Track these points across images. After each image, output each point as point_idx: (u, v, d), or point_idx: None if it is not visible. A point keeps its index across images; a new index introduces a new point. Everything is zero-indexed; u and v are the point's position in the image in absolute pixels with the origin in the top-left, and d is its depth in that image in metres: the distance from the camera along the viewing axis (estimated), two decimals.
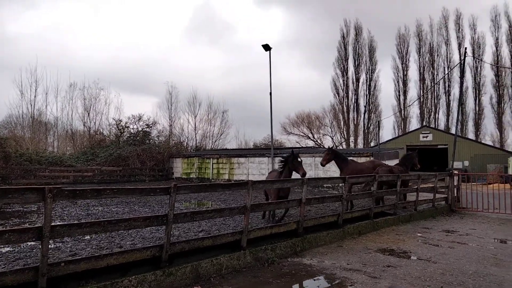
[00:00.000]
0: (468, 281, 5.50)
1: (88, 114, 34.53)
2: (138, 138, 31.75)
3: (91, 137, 33.06)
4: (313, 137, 61.82)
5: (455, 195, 13.98)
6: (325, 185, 20.31)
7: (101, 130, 34.13)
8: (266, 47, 22.65)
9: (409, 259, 6.74)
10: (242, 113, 76.03)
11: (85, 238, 8.08)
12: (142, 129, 32.74)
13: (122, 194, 4.78)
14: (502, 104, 53.35)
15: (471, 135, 52.26)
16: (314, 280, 5.57)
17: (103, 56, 70.56)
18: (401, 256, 6.95)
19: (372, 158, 19.47)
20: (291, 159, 8.30)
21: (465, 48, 13.45)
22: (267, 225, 6.87)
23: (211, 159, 26.97)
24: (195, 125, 41.87)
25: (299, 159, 8.18)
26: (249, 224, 6.66)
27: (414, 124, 57.43)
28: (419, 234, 9.09)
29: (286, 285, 5.35)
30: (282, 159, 8.65)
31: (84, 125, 34.80)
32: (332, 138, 61.79)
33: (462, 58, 14.10)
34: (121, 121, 32.33)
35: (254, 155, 24.79)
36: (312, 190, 20.23)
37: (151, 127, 32.96)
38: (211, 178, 26.51)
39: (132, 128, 32.41)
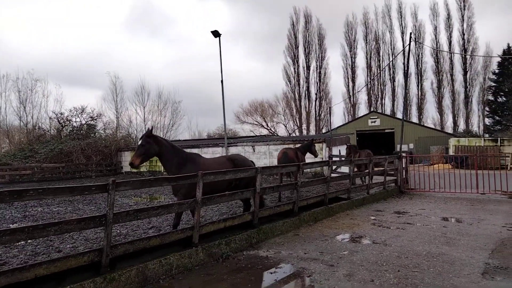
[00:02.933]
0: (423, 262, 5.50)
1: (24, 107, 31.77)
2: (82, 131, 29.81)
3: (29, 132, 30.49)
4: (267, 125, 62.10)
5: (404, 177, 14.46)
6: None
7: (40, 125, 31.59)
8: (216, 34, 21.96)
9: (365, 244, 6.69)
10: (194, 104, 74.81)
11: (19, 243, 7.23)
12: (86, 122, 30.77)
13: (49, 195, 4.14)
14: (442, 89, 56.79)
15: (414, 119, 55.16)
16: (271, 273, 5.29)
17: (38, 49, 65.37)
18: (357, 241, 6.90)
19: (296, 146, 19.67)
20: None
21: (410, 33, 13.84)
22: (221, 218, 6.47)
23: None
24: (144, 116, 40.25)
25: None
26: (202, 217, 6.26)
27: (362, 110, 59.57)
28: (372, 217, 9.18)
29: (242, 281, 5.02)
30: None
31: (20, 119, 32.01)
32: (286, 126, 62.50)
33: (408, 43, 14.49)
34: (62, 114, 30.12)
35: (207, 145, 24.22)
36: (267, 178, 20.12)
37: (95, 119, 31.08)
38: (162, 170, 25.54)
39: (75, 122, 30.35)
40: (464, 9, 55.24)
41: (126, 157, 28.17)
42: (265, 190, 7.30)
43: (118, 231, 7.96)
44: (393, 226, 8.16)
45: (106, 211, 4.58)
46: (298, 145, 13.60)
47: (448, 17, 56.34)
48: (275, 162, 20.97)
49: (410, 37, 13.59)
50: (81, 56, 66.15)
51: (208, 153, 23.83)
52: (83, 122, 30.87)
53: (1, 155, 24.92)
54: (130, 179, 5.13)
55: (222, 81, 22.21)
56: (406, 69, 17.47)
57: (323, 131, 57.25)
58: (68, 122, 29.94)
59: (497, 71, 51.59)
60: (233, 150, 22.95)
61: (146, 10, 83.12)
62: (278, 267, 5.55)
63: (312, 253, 6.19)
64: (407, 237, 7.07)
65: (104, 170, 27.13)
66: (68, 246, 6.98)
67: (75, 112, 30.12)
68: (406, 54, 14.65)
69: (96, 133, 31.28)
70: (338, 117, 78.59)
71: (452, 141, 31.19)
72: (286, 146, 20.35)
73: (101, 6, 76.71)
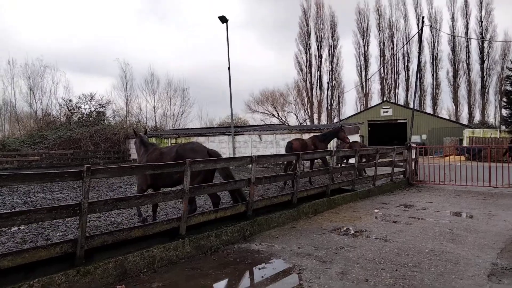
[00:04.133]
0: (424, 261, 5.10)
1: (34, 94, 31.90)
2: (91, 118, 29.85)
3: (39, 118, 30.67)
4: (278, 114, 61.43)
5: (413, 168, 13.93)
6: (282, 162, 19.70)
7: (50, 111, 31.74)
8: (223, 19, 21.49)
9: (364, 239, 6.30)
10: (205, 94, 74.34)
11: (11, 230, 7.10)
12: (95, 109, 30.80)
13: (16, 182, 3.86)
14: (458, 79, 55.18)
15: (428, 110, 53.93)
16: (260, 269, 4.96)
17: (49, 37, 65.52)
18: (356, 236, 6.51)
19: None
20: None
21: (423, 17, 13.13)
22: (212, 209, 6.15)
23: (169, 140, 25.82)
24: (154, 104, 40.15)
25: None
26: (194, 208, 5.96)
27: (375, 99, 58.41)
28: (376, 210, 8.76)
29: (227, 276, 4.71)
30: None
31: (30, 106, 32.21)
32: (297, 116, 61.77)
33: (420, 27, 13.81)
34: (71, 101, 30.19)
35: (214, 134, 23.92)
36: (274, 168, 19.76)
37: (104, 106, 31.10)
38: None
39: (84, 108, 30.40)
40: None
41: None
42: (260, 180, 6.95)
43: (113, 220, 7.77)
44: (397, 220, 7.74)
45: (80, 200, 4.29)
46: (317, 134, 13.16)
47: (466, 3, 54.37)
48: (282, 151, 20.58)
49: (423, 21, 12.93)
50: (92, 44, 66.30)
51: (215, 141, 23.56)
52: (92, 109, 30.91)
53: (10, 141, 25.07)
54: (109, 166, 4.83)
55: (229, 68, 21.80)
56: (419, 55, 16.84)
57: (335, 120, 56.41)
58: (77, 109, 30.00)
59: None
60: (239, 139, 22.63)
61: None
62: (268, 262, 5.22)
63: (307, 247, 5.83)
64: (410, 233, 6.65)
65: (112, 158, 27.16)
66: (58, 234, 6.81)
67: (84, 99, 30.14)
68: (419, 38, 13.90)
69: (105, 120, 31.29)
70: (350, 107, 77.82)
71: (466, 133, 30.25)
72: (293, 136, 19.93)
73: None
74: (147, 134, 9.09)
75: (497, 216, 8.11)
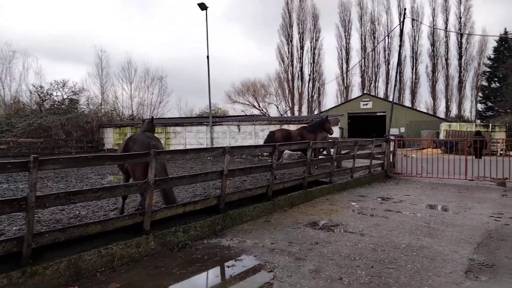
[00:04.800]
0: (401, 257, 4.89)
1: (1, 79, 30.36)
2: (63, 106, 28.69)
3: (7, 105, 29.26)
4: (259, 105, 61.05)
5: (391, 161, 13.88)
6: (260, 153, 19.43)
7: (19, 98, 30.32)
8: (202, 6, 20.84)
9: (340, 233, 6.07)
10: (185, 84, 73.05)
11: None
12: (68, 96, 29.61)
13: None
14: (436, 73, 56.13)
15: (407, 103, 54.70)
16: (228, 266, 4.64)
17: (22, 23, 62.58)
18: (332, 230, 6.27)
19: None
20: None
21: (405, 9, 13.01)
22: (180, 203, 5.76)
23: None
24: (130, 92, 39.05)
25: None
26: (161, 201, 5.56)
27: (356, 92, 58.84)
28: (353, 203, 8.58)
29: (192, 275, 4.37)
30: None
31: None
32: (277, 107, 61.56)
33: (402, 19, 13.68)
34: (42, 87, 28.89)
35: (191, 124, 23.38)
36: (252, 159, 19.46)
37: (78, 94, 29.95)
38: None
39: (56, 96, 29.16)
40: None
41: (108, 134, 27.26)
42: (233, 172, 6.60)
43: (78, 212, 7.26)
44: (374, 213, 7.56)
45: (27, 193, 3.84)
46: (305, 125, 12.87)
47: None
48: (261, 142, 20.26)
49: (404, 13, 12.81)
50: (69, 32, 63.75)
51: (192, 131, 23.03)
52: (65, 96, 29.72)
53: None
54: (61, 157, 4.38)
55: (208, 56, 21.26)
56: (400, 48, 16.79)
57: (315, 112, 56.49)
58: (48, 96, 28.75)
59: (492, 56, 50.92)
60: (218, 129, 22.18)
61: None
62: (238, 259, 4.90)
63: (280, 243, 5.55)
64: (387, 227, 6.47)
65: (85, 147, 26.26)
66: (14, 228, 6.28)
67: (56, 85, 28.91)
68: (400, 31, 13.76)
69: (79, 109, 30.16)
70: (331, 99, 77.91)
71: (444, 126, 30.72)
72: (273, 127, 19.63)
73: None
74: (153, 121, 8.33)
75: (472, 209, 8.06)
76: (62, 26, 64.72)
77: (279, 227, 6.46)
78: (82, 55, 66.85)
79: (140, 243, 4.92)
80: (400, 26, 12.75)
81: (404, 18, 12.71)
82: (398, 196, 9.69)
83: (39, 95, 28.75)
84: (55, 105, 28.58)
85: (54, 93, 28.97)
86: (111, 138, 27.04)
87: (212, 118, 22.72)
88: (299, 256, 4.97)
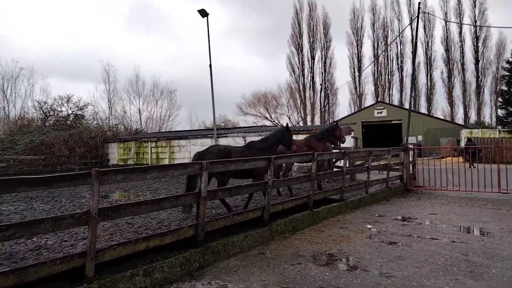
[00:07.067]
0: None
1: (5, 96, 29.98)
2: (68, 122, 28.01)
3: (11, 122, 28.78)
4: (270, 117, 59.82)
5: (411, 172, 12.36)
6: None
7: (24, 115, 29.83)
8: (203, 13, 19.87)
9: (351, 273, 4.66)
10: (196, 96, 72.55)
11: None
12: (73, 112, 28.95)
13: None
14: (452, 79, 54.03)
15: (423, 110, 52.63)
16: None
17: (31, 42, 63.15)
18: (342, 269, 4.87)
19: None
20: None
21: (419, 3, 11.70)
22: (140, 237, 4.47)
23: (149, 143, 24.08)
24: (139, 106, 38.39)
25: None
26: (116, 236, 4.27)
27: (369, 101, 57.00)
28: (369, 226, 7.14)
29: None
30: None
31: (3, 109, 30.29)
32: (289, 118, 60.21)
33: (416, 13, 12.33)
34: (46, 103, 28.31)
35: (196, 137, 22.25)
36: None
37: (83, 109, 29.24)
38: (149, 163, 23.67)
39: (61, 111, 28.54)
40: None
41: (113, 149, 26.36)
42: (215, 193, 5.30)
43: (43, 243, 6.02)
44: (394, 240, 6.12)
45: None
46: (313, 134, 11.39)
47: (459, 2, 53.28)
48: None
49: (419, 7, 11.48)
50: (77, 50, 64.12)
51: (197, 144, 21.86)
52: (70, 112, 29.08)
53: None
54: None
55: (210, 65, 20.18)
56: (414, 47, 15.35)
57: (328, 123, 54.92)
58: (52, 111, 28.15)
59: (511, 59, 48.74)
60: (223, 142, 20.94)
61: (143, 8, 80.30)
62: None
63: None
64: (412, 261, 5.03)
65: (89, 163, 25.32)
66: None
67: (60, 101, 28.32)
68: (415, 28, 12.41)
69: (85, 124, 29.47)
70: (344, 108, 76.25)
71: (464, 133, 28.83)
72: None
73: (100, 6, 73.79)
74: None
75: None
76: (66, 45, 65.07)
77: (275, 262, 5.09)
78: (91, 73, 67.14)
79: None
80: (413, 28, 11.42)
81: (418, 13, 11.35)
82: (422, 215, 8.20)
83: (43, 110, 28.19)
84: (59, 121, 27.93)
85: (59, 109, 28.39)
86: (115, 154, 26.14)
87: (217, 130, 21.55)
88: None
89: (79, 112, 29.50)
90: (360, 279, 4.40)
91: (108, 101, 36.85)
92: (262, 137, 8.46)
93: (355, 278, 4.42)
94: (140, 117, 39.05)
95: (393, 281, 4.29)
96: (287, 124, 8.38)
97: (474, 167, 18.30)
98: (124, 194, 12.17)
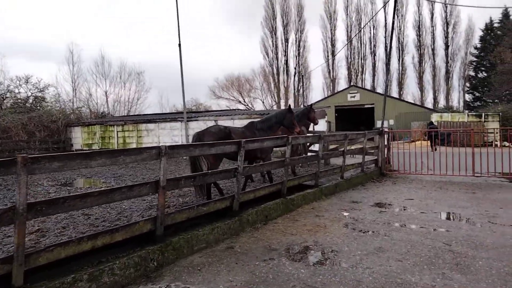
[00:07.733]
0: None
1: None
2: (27, 104, 26.20)
3: None
4: (244, 101, 59.10)
5: (386, 156, 12.13)
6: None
7: None
8: None
9: (329, 270, 4.19)
10: (167, 81, 70.46)
11: None
12: (32, 94, 27.09)
13: None
14: (423, 64, 54.94)
15: (395, 95, 53.34)
16: None
17: None
18: (318, 263, 4.40)
19: None
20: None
21: None
22: (84, 235, 3.78)
23: (115, 127, 22.87)
24: (105, 88, 36.60)
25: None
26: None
27: (342, 85, 57.25)
28: (346, 214, 6.74)
29: None
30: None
31: None
32: (263, 102, 59.70)
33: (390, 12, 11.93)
34: (1, 83, 26.31)
35: (165, 120, 21.27)
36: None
37: (43, 90, 27.38)
38: (116, 148, 22.54)
39: (19, 93, 26.62)
40: None
41: (77, 133, 24.92)
42: (177, 182, 4.67)
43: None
44: (373, 229, 5.73)
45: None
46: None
47: None
48: None
49: None
50: (39, 28, 60.29)
51: (166, 128, 20.95)
52: (29, 94, 27.19)
53: None
54: None
55: (179, 44, 19.10)
56: (391, 30, 14.99)
57: (302, 106, 54.72)
58: (9, 93, 26.20)
59: (479, 45, 49.91)
60: (194, 126, 20.12)
61: None
62: None
63: None
64: (394, 253, 4.63)
65: (50, 148, 23.82)
66: None
67: (18, 81, 26.37)
68: (389, 11, 11.92)
69: (46, 107, 27.66)
70: (317, 92, 76.50)
71: (435, 117, 29.24)
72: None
73: None
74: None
75: (498, 217, 6.30)
76: (29, 25, 61.08)
77: (244, 258, 4.56)
78: (54, 53, 63.45)
79: None
80: (392, 7, 10.95)
81: None
82: (399, 200, 7.91)
83: None
84: (18, 104, 26.06)
85: (16, 90, 26.44)
86: (79, 138, 24.73)
87: (187, 114, 20.68)
88: None
89: (39, 94, 27.64)
90: (339, 276, 3.94)
91: (72, 82, 34.90)
92: (263, 118, 8.06)
93: (333, 276, 3.96)
94: (107, 100, 37.33)
95: (375, 278, 3.86)
96: (289, 106, 7.93)
97: (436, 150, 18.55)
98: (90, 181, 11.32)
